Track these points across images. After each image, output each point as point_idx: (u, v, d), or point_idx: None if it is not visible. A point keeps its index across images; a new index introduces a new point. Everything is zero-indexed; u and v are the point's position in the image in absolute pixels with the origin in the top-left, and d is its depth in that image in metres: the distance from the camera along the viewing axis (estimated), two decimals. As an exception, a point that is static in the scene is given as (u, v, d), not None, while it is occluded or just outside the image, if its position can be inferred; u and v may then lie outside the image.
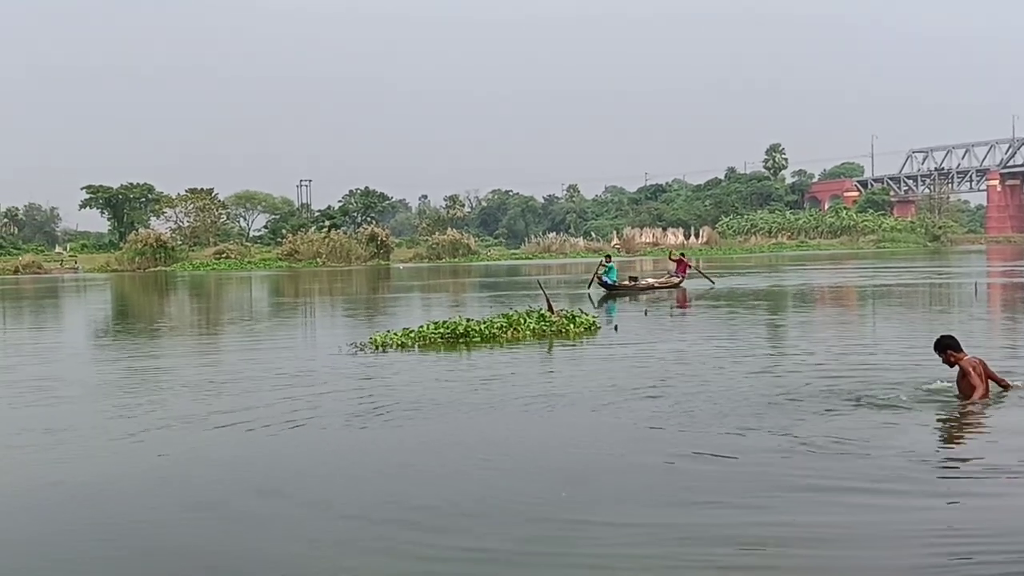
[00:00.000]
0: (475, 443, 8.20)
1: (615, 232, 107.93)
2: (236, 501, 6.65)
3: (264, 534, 5.89)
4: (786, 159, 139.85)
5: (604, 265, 30.76)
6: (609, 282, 30.27)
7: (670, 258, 34.92)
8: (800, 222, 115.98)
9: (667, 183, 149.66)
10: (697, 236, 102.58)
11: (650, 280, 32.93)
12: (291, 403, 10.23)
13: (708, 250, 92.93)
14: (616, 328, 17.44)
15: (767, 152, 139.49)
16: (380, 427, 8.97)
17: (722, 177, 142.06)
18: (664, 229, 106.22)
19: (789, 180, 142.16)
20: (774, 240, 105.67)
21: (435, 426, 9.00)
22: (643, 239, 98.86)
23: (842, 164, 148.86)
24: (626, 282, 31.56)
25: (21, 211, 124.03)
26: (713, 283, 32.65)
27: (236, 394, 11.02)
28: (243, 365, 13.73)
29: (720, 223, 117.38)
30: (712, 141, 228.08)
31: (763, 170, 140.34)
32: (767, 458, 7.30)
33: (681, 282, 32.35)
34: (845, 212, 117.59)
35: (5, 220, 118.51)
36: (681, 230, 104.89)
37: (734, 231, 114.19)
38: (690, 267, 33.81)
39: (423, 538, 5.72)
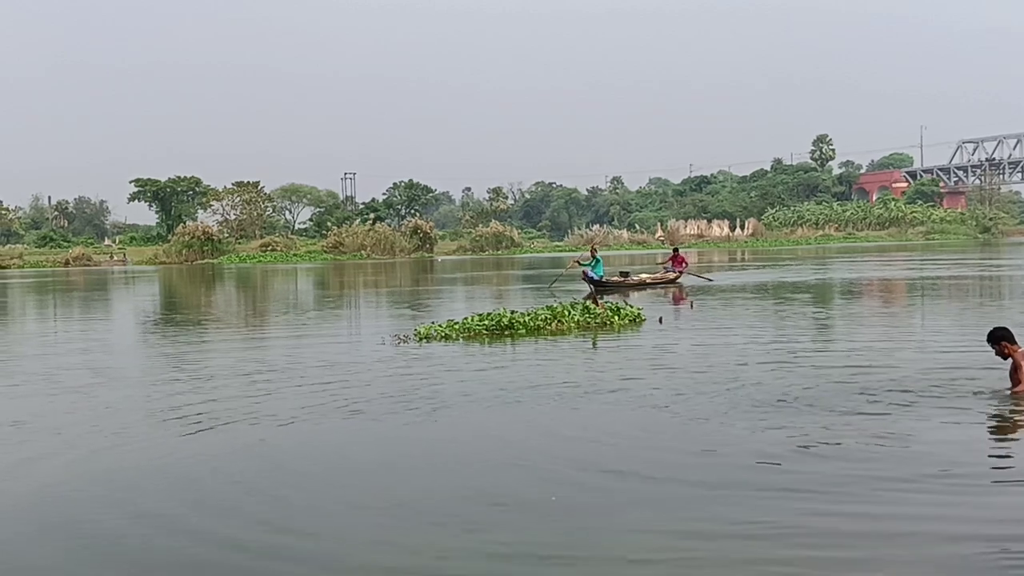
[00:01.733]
0: (514, 437, 8.14)
1: (659, 224, 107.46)
2: (277, 493, 6.66)
3: (307, 524, 5.90)
4: (833, 150, 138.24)
5: (592, 256, 28.49)
6: (595, 277, 27.99)
7: (675, 255, 32.11)
8: (848, 214, 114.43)
9: (712, 174, 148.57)
10: (743, 228, 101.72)
11: (643, 276, 30.64)
12: (335, 395, 10.27)
13: (754, 242, 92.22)
14: (661, 320, 17.31)
15: (814, 143, 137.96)
16: (421, 418, 8.95)
17: (768, 168, 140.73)
18: (709, 221, 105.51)
19: (836, 171, 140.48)
20: (821, 232, 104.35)
21: (475, 418, 8.97)
22: (688, 231, 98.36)
23: (890, 155, 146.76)
24: (615, 277, 29.38)
25: (71, 204, 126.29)
26: (711, 280, 30.63)
27: (281, 385, 11.08)
28: (288, 357, 13.81)
29: (766, 215, 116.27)
30: (758, 132, 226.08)
31: (810, 161, 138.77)
32: (820, 451, 7.18)
33: (678, 277, 30.14)
34: (894, 203, 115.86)
35: (56, 213, 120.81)
36: (726, 222, 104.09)
37: (780, 223, 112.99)
38: (687, 262, 31.40)
39: (457, 534, 5.70)
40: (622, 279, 29.03)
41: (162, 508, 6.31)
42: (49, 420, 9.35)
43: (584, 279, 28.11)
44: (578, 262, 29.42)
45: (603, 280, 27.89)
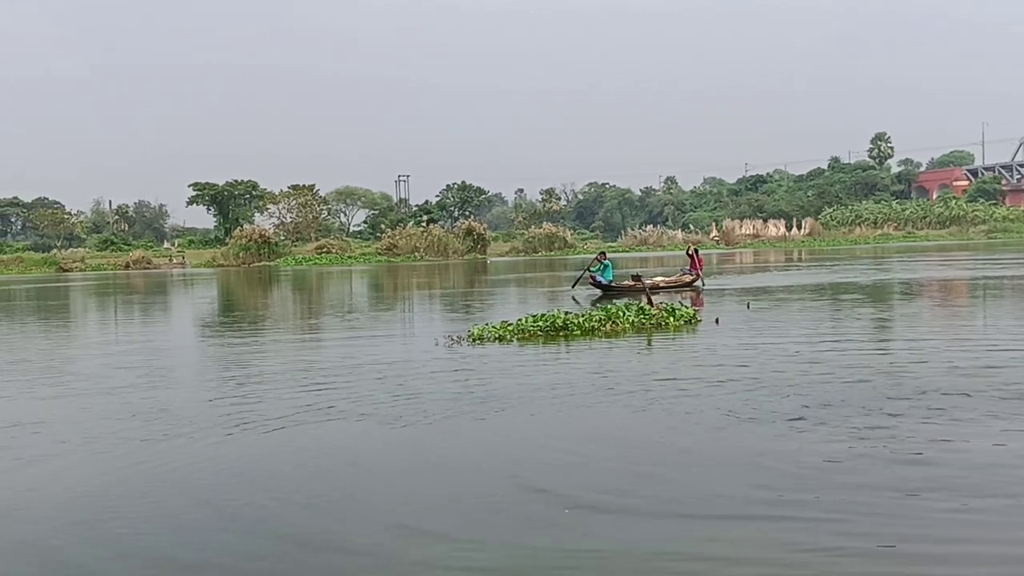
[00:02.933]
0: (567, 437, 8.09)
1: (714, 224, 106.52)
2: (327, 492, 6.68)
3: (359, 522, 5.91)
4: (892, 148, 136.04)
5: (599, 261, 27.72)
6: (604, 281, 26.92)
7: (688, 254, 29.84)
8: (907, 212, 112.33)
9: (768, 173, 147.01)
10: (799, 227, 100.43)
11: (658, 279, 28.62)
12: (390, 395, 10.31)
13: (811, 241, 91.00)
14: (717, 321, 17.11)
15: (872, 141, 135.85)
16: (476, 418, 8.94)
17: (825, 167, 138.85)
18: (765, 220, 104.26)
19: (895, 169, 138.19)
20: (880, 231, 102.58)
21: (527, 419, 8.92)
22: (743, 231, 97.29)
23: (951, 152, 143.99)
24: (627, 281, 27.47)
25: (131, 208, 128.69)
26: (704, 285, 28.28)
27: (338, 385, 11.15)
28: (343, 357, 13.88)
29: (823, 214, 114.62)
30: (815, 130, 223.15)
31: (868, 159, 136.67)
32: (887, 457, 7.02)
33: (696, 280, 27.91)
34: (954, 202, 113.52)
35: (116, 217, 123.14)
36: (782, 221, 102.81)
37: (838, 222, 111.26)
38: (701, 267, 28.65)
39: (517, 534, 5.67)
40: (633, 283, 26.91)
41: (227, 505, 6.38)
42: (115, 419, 9.48)
43: (592, 283, 27.36)
44: (589, 269, 28.48)
45: (612, 284, 27.00)
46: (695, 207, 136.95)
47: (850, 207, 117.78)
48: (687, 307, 17.45)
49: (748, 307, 20.64)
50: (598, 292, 26.92)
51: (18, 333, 21.52)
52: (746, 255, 65.26)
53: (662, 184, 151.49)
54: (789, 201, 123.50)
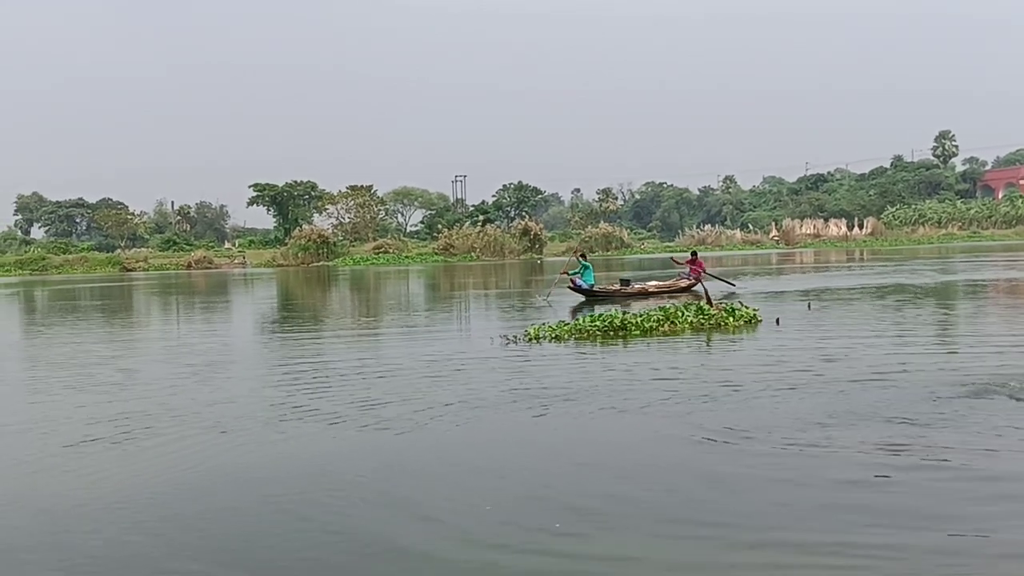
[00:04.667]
0: (623, 440, 7.98)
1: (774, 223, 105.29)
2: (387, 490, 6.65)
3: (409, 522, 5.88)
4: (956, 146, 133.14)
5: (578, 262, 25.53)
6: (585, 285, 24.71)
7: (674, 260, 28.11)
8: (972, 212, 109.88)
9: (829, 172, 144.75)
10: (861, 227, 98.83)
11: (651, 283, 26.61)
12: (446, 395, 10.30)
13: (873, 241, 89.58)
14: (778, 322, 16.84)
15: (936, 139, 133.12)
16: (530, 419, 8.88)
17: (887, 166, 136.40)
18: (826, 220, 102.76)
19: (960, 168, 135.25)
20: (943, 231, 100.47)
21: (579, 421, 8.83)
22: (803, 230, 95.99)
23: (1017, 151, 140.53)
24: (614, 285, 25.91)
25: (193, 209, 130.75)
26: (733, 285, 27.29)
27: (394, 384, 11.18)
28: (400, 356, 13.94)
29: (885, 213, 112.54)
30: (876, 129, 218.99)
31: (932, 158, 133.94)
32: (967, 460, 6.82)
33: (694, 285, 25.46)
34: (1021, 201, 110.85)
35: (178, 217, 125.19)
36: (844, 221, 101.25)
37: (901, 221, 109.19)
38: (704, 270, 26.73)
39: (562, 539, 5.59)
40: (620, 287, 25.39)
41: (289, 501, 6.39)
42: (187, 414, 9.58)
43: (572, 288, 25.07)
44: (566, 272, 26.18)
45: (594, 289, 24.93)
46: (754, 206, 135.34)
47: (913, 206, 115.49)
48: (748, 307, 17.19)
49: (809, 307, 20.31)
50: (579, 298, 24.66)
51: (85, 331, 21.89)
52: (806, 255, 64.41)
53: (721, 183, 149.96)
54: (850, 200, 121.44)
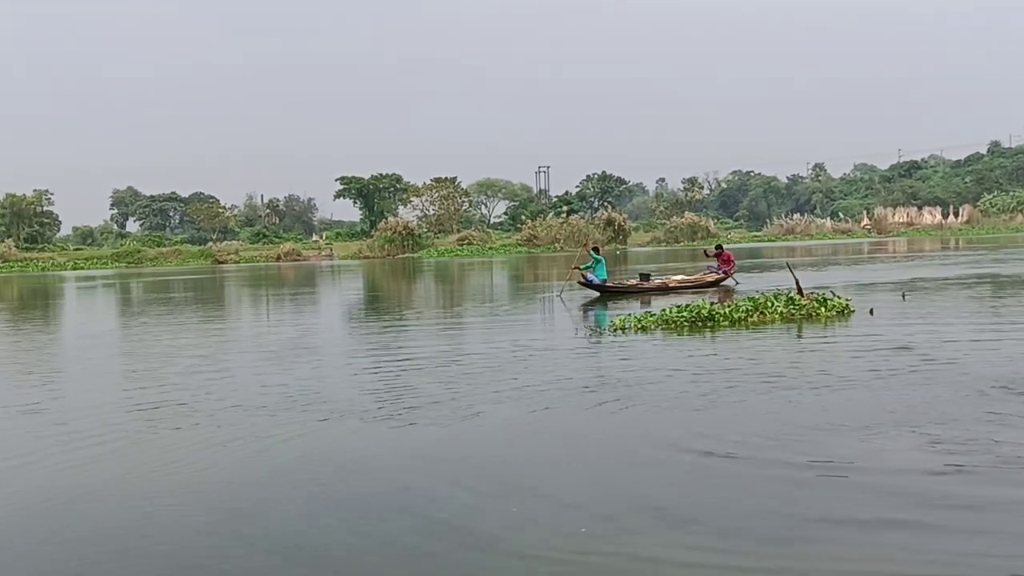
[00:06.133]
0: (712, 433, 7.75)
1: (865, 212, 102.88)
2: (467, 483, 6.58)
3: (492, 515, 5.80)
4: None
5: (589, 255, 24.14)
6: (597, 281, 23.38)
7: (705, 253, 26.55)
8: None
9: (922, 159, 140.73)
10: (956, 215, 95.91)
11: (676, 278, 25.22)
12: (532, 382, 10.22)
13: (969, 230, 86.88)
14: (872, 312, 16.33)
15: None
16: (610, 413, 8.72)
17: (985, 152, 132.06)
18: (919, 208, 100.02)
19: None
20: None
21: (662, 415, 8.62)
22: (896, 219, 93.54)
23: None
24: (632, 280, 24.81)
25: (282, 202, 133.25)
26: (737, 282, 25.34)
27: (478, 374, 11.16)
28: (484, 346, 13.87)
29: (982, 201, 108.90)
30: (972, 114, 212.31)
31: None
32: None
33: (723, 279, 24.72)
34: None
35: (268, 211, 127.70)
36: (938, 209, 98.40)
37: (999, 209, 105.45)
38: (734, 262, 25.64)
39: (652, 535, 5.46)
40: (639, 282, 24.09)
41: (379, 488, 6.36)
42: (277, 405, 9.66)
43: (583, 284, 23.75)
44: (577, 267, 25.10)
45: (607, 284, 23.66)
46: (845, 195, 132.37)
47: (1012, 193, 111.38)
48: (840, 297, 16.71)
49: (903, 297, 19.68)
50: (593, 294, 23.57)
51: (186, 323, 22.35)
52: (899, 244, 62.73)
53: (810, 171, 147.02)
54: (945, 188, 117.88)
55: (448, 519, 5.80)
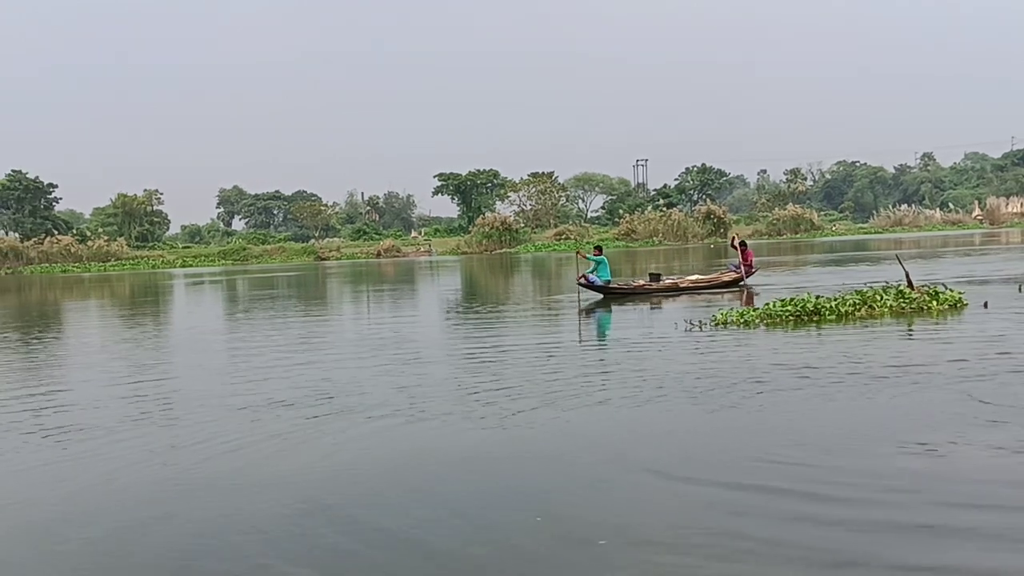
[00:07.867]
0: (807, 429, 7.53)
1: (976, 202, 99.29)
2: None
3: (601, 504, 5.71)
4: None
5: (587, 256, 23.10)
6: (599, 282, 22.26)
7: (732, 245, 24.92)
8: None
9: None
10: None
11: (690, 278, 24.05)
12: (627, 380, 10.13)
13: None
14: (986, 305, 15.70)
15: None
16: (716, 408, 8.57)
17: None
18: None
19: None
20: None
21: (766, 413, 8.43)
22: (1009, 209, 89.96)
23: None
24: (640, 281, 23.77)
25: (381, 199, 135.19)
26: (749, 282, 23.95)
27: (573, 367, 11.11)
28: (581, 338, 13.76)
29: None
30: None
31: None
32: None
33: (742, 279, 23.38)
34: None
35: (368, 208, 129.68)
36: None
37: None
38: (751, 262, 24.15)
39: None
40: (647, 283, 23.07)
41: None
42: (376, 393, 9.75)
43: (584, 285, 22.33)
44: (580, 253, 24.41)
45: (610, 285, 22.51)
46: (955, 184, 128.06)
47: None
48: (953, 290, 16.11)
49: (1020, 289, 18.88)
50: (595, 296, 22.39)
51: (292, 319, 22.81)
52: (1013, 234, 60.38)
53: (918, 161, 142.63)
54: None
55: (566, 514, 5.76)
